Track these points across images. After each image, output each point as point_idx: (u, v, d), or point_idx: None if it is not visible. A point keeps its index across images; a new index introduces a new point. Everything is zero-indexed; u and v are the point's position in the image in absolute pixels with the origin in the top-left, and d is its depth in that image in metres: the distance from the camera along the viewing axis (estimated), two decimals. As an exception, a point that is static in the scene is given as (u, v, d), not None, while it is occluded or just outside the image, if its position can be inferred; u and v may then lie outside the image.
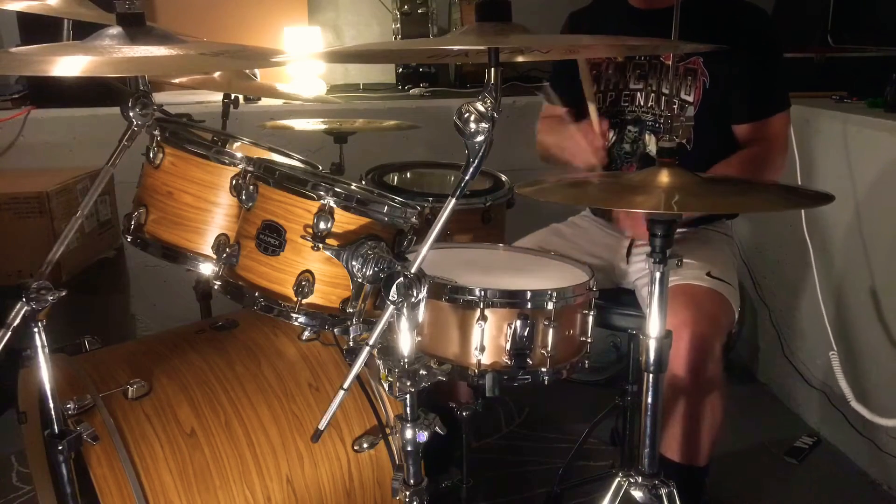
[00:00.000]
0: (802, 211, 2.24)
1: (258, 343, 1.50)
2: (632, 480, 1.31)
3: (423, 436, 1.18)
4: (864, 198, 2.12)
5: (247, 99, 2.79)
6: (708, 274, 1.67)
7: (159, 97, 1.87)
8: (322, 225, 1.24)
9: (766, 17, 1.84)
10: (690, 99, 1.78)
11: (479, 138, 1.04)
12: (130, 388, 1.32)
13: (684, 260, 1.69)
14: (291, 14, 3.18)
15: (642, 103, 1.85)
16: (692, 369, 1.57)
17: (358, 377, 1.19)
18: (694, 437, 1.67)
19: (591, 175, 1.74)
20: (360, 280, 1.25)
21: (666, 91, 1.80)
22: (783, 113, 1.80)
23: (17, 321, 1.13)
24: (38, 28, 2.34)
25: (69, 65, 0.99)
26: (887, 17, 2.69)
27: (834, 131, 2.26)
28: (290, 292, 1.27)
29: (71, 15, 1.52)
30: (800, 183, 2.22)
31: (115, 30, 1.08)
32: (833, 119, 2.28)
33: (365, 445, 1.42)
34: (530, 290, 1.32)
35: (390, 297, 1.08)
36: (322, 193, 1.25)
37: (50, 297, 1.13)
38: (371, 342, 1.11)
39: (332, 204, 1.25)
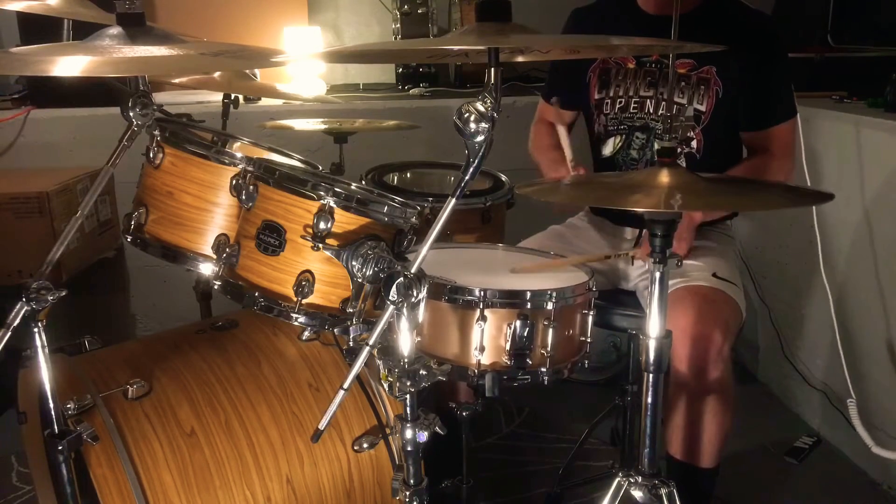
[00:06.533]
0: (814, 210, 2.23)
1: (258, 343, 1.50)
2: (632, 480, 1.31)
3: (423, 436, 1.18)
4: (865, 198, 2.12)
5: (247, 99, 2.79)
6: (714, 275, 1.67)
7: (159, 97, 1.87)
8: (322, 225, 1.24)
9: (771, 26, 1.84)
10: (703, 108, 1.78)
11: (479, 138, 1.04)
12: (130, 388, 1.32)
13: (690, 261, 1.70)
14: (291, 14, 3.18)
15: (651, 111, 1.85)
16: (702, 371, 1.57)
17: (358, 377, 1.19)
18: (706, 438, 1.68)
19: (590, 175, 1.74)
20: (360, 280, 1.25)
21: (677, 99, 1.79)
22: (788, 121, 1.79)
23: (17, 321, 1.13)
24: (38, 28, 2.33)
25: (69, 65, 0.99)
26: (887, 17, 2.69)
27: (834, 131, 2.25)
28: (290, 292, 1.27)
29: (71, 15, 1.52)
30: (809, 184, 2.22)
31: (115, 30, 1.08)
32: (833, 119, 2.27)
33: (365, 445, 1.42)
34: (530, 291, 1.32)
35: (390, 297, 1.08)
36: (322, 193, 1.25)
37: (50, 297, 1.13)
38: (371, 342, 1.11)
39: (332, 204, 1.25)
